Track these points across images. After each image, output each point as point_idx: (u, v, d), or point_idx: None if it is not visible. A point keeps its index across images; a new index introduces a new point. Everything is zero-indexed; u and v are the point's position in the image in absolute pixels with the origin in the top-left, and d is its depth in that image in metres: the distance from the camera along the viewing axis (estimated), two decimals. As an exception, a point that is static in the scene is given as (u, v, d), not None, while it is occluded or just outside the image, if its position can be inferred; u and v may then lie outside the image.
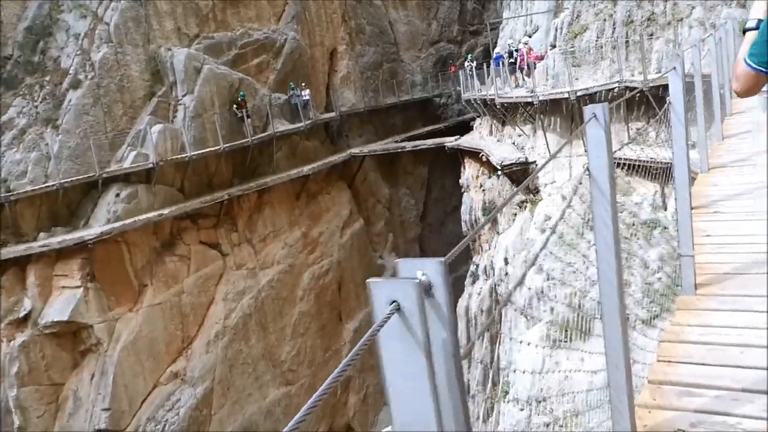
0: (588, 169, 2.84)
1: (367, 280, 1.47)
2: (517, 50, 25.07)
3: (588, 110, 2.72)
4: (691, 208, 4.23)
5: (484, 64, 27.29)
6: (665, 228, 16.99)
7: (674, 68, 4.14)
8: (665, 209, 17.30)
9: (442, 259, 1.44)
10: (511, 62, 25.31)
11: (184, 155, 24.06)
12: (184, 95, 25.29)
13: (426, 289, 1.41)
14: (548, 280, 19.14)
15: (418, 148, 31.64)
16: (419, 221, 38.94)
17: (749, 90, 2.78)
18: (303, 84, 29.27)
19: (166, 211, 23.14)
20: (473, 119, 31.91)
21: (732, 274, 3.59)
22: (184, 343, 24.24)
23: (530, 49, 23.72)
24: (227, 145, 25.33)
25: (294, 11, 31.08)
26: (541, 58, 23.09)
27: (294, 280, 28.66)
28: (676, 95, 4.27)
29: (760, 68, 2.67)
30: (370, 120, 35.71)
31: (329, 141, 33.14)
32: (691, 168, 5.94)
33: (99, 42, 23.56)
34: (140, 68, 24.59)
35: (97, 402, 21.74)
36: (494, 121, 27.87)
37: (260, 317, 26.89)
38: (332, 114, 32.14)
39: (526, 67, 24.00)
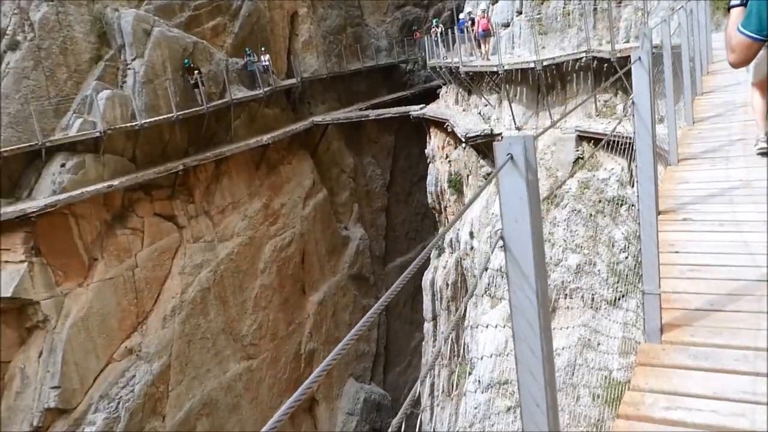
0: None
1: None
2: (471, 19, 24.48)
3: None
4: (657, 214, 3.56)
5: (449, 30, 26.37)
6: (632, 206, 16.55)
7: (639, 58, 3.33)
8: (632, 185, 16.84)
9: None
10: (461, 32, 24.61)
11: (134, 123, 22.89)
12: (133, 59, 23.98)
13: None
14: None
15: (382, 116, 30.74)
16: (386, 191, 38.22)
17: (745, 59, 2.94)
18: (263, 49, 28.05)
19: (116, 182, 22.06)
20: (440, 87, 31.06)
21: (705, 311, 2.95)
22: (139, 319, 23.41)
23: (483, 17, 22.85)
24: (181, 112, 24.18)
25: (252, -29, 29.64)
26: (485, 27, 22.22)
27: (255, 252, 27.86)
28: (641, 95, 3.40)
29: (757, 36, 2.82)
30: (333, 86, 34.61)
31: (290, 108, 32.04)
32: (658, 159, 5.32)
33: (38, 0, 22.07)
34: (85, 29, 23.18)
35: (46, 380, 20.88)
36: (460, 90, 27.07)
37: (219, 291, 26.11)
38: (293, 80, 30.98)
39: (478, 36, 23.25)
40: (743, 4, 3.07)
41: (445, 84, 29.28)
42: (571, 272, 16.33)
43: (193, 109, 24.74)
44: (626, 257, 15.96)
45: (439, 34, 27.81)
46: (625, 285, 13.64)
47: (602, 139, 17.32)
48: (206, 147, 26.41)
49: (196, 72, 24.70)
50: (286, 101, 31.65)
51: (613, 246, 16.30)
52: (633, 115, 3.41)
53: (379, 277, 36.97)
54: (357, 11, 37.68)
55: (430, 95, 32.80)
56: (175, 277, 24.47)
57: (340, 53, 35.06)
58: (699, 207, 4.27)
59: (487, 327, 16.34)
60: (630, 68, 3.48)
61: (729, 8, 3.21)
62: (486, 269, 18.88)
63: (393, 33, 39.86)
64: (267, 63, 27.73)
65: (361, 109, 33.79)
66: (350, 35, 36.70)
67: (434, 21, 30.69)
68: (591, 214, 16.91)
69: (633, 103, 3.42)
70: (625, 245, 16.64)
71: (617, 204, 16.70)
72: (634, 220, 16.52)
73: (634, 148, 3.84)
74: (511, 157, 1.87)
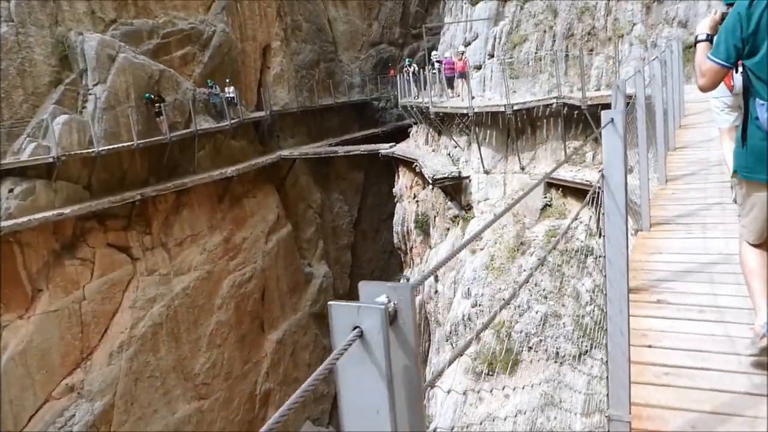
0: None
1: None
2: (438, 61, 24.69)
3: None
4: (628, 293, 2.97)
5: (422, 70, 26.13)
6: (599, 257, 16.12)
7: (611, 120, 2.82)
8: (600, 236, 16.47)
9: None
10: (433, 72, 24.59)
11: (91, 150, 21.98)
12: (95, 84, 23.18)
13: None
14: (475, 306, 18.07)
15: (351, 153, 30.24)
16: (352, 228, 37.57)
17: (713, 83, 3.17)
18: (227, 80, 27.42)
19: (67, 210, 21.05)
20: (411, 125, 30.76)
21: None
22: (83, 354, 22.19)
23: (460, 59, 22.72)
24: (141, 141, 23.35)
25: (224, 2, 29.21)
26: (461, 69, 22.19)
27: (212, 287, 26.84)
28: (612, 165, 2.88)
29: (725, 63, 3.08)
30: (303, 121, 34.10)
31: (258, 141, 31.38)
32: (629, 223, 4.77)
33: (-2, 20, 21.27)
34: (45, 52, 22.37)
35: (-22, 419, 19.56)
36: (431, 130, 26.74)
37: (172, 327, 24.99)
38: (262, 113, 30.39)
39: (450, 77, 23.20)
40: (709, 40, 3.38)
41: (416, 123, 28.96)
42: (536, 323, 15.76)
43: (155, 138, 23.95)
44: (592, 309, 15.48)
45: (411, 74, 27.55)
46: (590, 340, 13.13)
47: (570, 186, 16.98)
48: (168, 177, 25.53)
49: (157, 105, 23.95)
50: (255, 134, 31.00)
51: (578, 298, 15.83)
52: (600, 187, 2.84)
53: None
54: (331, 47, 37.45)
55: (401, 133, 32.49)
56: (126, 311, 23.35)
57: (312, 88, 34.67)
58: (675, 286, 3.70)
59: (448, 392, 15.57)
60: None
61: (696, 42, 3.48)
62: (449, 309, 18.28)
63: (367, 70, 39.69)
64: (232, 95, 27.08)
65: (331, 145, 33.27)
66: (323, 70, 36.39)
67: (407, 60, 30.51)
68: (558, 264, 16.45)
69: (602, 176, 2.85)
70: (590, 298, 16.06)
71: (584, 254, 16.26)
72: (600, 272, 16.10)
73: (601, 211, 3.27)
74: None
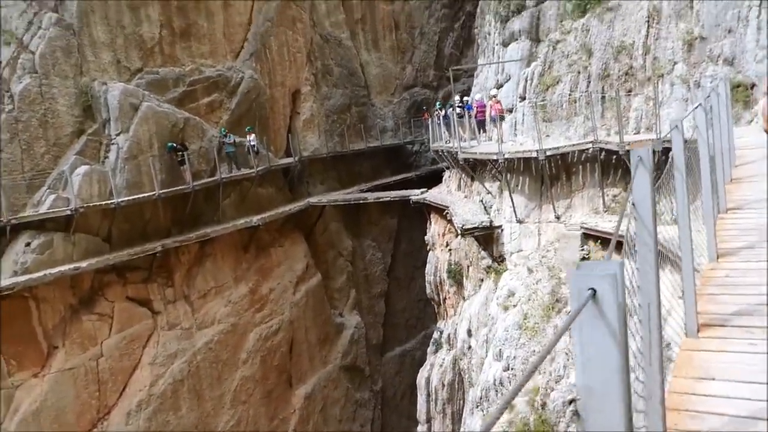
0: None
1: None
2: (460, 106, 23.88)
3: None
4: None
5: (453, 113, 25.12)
6: (641, 320, 14.60)
7: (639, 159, 2.64)
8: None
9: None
10: (459, 116, 23.63)
11: (111, 201, 21.47)
12: (118, 134, 22.84)
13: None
14: (508, 370, 16.61)
15: (381, 200, 29.28)
16: (386, 276, 36.36)
17: None
18: (247, 129, 26.73)
19: (84, 264, 20.46)
20: (446, 169, 29.69)
21: None
22: (100, 414, 21.34)
23: (495, 102, 21.69)
24: (163, 191, 22.80)
25: (253, 48, 28.94)
26: (499, 111, 21.15)
27: (237, 341, 25.88)
28: (643, 212, 2.77)
29: None
30: (334, 166, 33.37)
31: (287, 188, 30.69)
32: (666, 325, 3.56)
33: (21, 72, 21.15)
34: (69, 103, 22.15)
35: (-11, 483, 18.76)
36: (463, 175, 25.60)
37: (194, 383, 24.03)
38: (290, 159, 29.75)
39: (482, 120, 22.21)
40: None
41: (448, 168, 27.88)
42: (574, 391, 14.22)
43: (178, 188, 23.38)
44: (636, 377, 13.93)
45: (442, 117, 26.59)
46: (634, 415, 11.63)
47: (610, 238, 15.56)
48: (192, 227, 24.90)
49: (179, 153, 23.43)
50: (283, 180, 30.33)
51: (622, 363, 14.29)
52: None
53: (375, 368, 34.67)
54: (363, 91, 36.89)
55: (436, 178, 31.41)
56: (145, 367, 22.51)
57: (342, 132, 34.01)
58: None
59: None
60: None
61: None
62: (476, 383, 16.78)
63: (400, 113, 38.96)
64: (253, 143, 26.39)
65: (362, 191, 32.41)
66: (355, 114, 35.78)
67: (437, 104, 29.60)
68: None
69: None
70: (633, 364, 14.35)
71: (628, 314, 14.78)
72: (642, 338, 14.55)
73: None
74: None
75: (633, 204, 3.03)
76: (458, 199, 24.87)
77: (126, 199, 21.86)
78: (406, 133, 38.14)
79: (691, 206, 5.88)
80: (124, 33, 24.05)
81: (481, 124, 24.08)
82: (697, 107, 5.11)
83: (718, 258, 5.02)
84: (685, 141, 7.94)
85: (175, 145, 23.50)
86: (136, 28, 24.41)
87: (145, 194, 22.48)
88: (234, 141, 25.51)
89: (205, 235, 24.35)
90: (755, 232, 5.57)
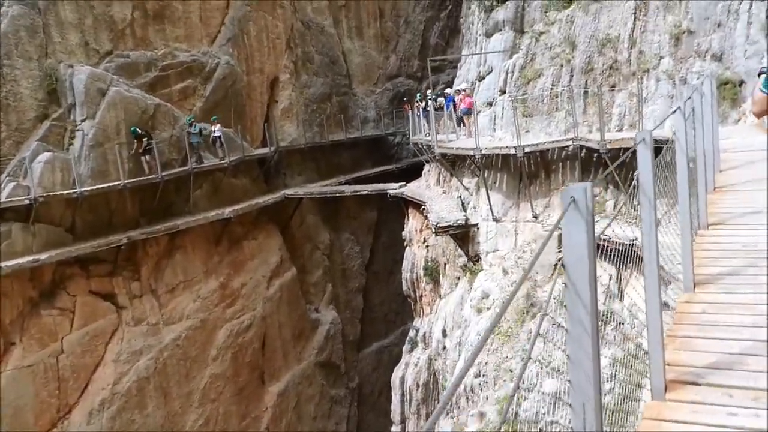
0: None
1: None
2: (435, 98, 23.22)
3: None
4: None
5: (432, 105, 24.33)
6: (620, 323, 13.93)
7: (572, 200, 2.21)
8: (621, 299, 14.30)
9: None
10: (436, 109, 22.96)
11: (73, 190, 20.54)
12: (83, 120, 21.88)
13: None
14: (479, 376, 15.93)
15: (358, 193, 28.47)
16: (364, 270, 35.59)
17: (761, 111, 4.23)
18: (213, 119, 25.64)
19: (44, 256, 19.54)
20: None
21: None
22: (60, 413, 20.50)
23: (467, 95, 20.99)
24: (129, 180, 21.88)
25: (230, 33, 27.95)
26: (469, 106, 20.46)
27: (206, 337, 25.06)
28: (575, 268, 2.31)
29: None
30: (313, 157, 32.50)
31: (263, 179, 29.80)
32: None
33: (-20, 53, 20.13)
34: (32, 85, 21.16)
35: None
36: (442, 169, 24.85)
37: (161, 381, 23.21)
38: (265, 150, 28.84)
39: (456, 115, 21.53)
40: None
41: (428, 162, 27.11)
42: (547, 401, 13.58)
43: (145, 178, 22.44)
44: (611, 388, 13.29)
45: (422, 109, 25.79)
46: (610, 424, 11.00)
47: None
48: (161, 218, 23.99)
49: (144, 139, 22.40)
50: (259, 171, 29.43)
51: (597, 372, 13.64)
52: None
53: (351, 365, 33.97)
54: (345, 80, 35.97)
55: (418, 171, 30.60)
56: (108, 365, 21.66)
57: (322, 122, 33.12)
58: None
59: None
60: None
61: (759, 74, 4.15)
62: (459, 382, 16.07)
63: (383, 104, 38.09)
64: (218, 133, 25.32)
65: (341, 183, 31.57)
66: (335, 104, 34.88)
67: (418, 95, 28.76)
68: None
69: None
70: (611, 374, 13.75)
71: (603, 321, 14.09)
72: (622, 342, 13.87)
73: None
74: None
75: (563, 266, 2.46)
76: (436, 195, 24.13)
77: (90, 188, 20.94)
78: (389, 125, 37.30)
79: (667, 222, 5.15)
80: (94, 13, 23.03)
81: (460, 119, 23.32)
82: (675, 111, 4.38)
83: (695, 287, 4.30)
84: (666, 141, 7.19)
85: (138, 130, 22.42)
86: (106, 9, 23.39)
87: (110, 184, 21.55)
88: (200, 131, 24.43)
89: (175, 227, 23.46)
90: (741, 254, 4.85)
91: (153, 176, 22.67)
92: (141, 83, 24.15)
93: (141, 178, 22.37)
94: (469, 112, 20.14)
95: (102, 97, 22.25)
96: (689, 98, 4.97)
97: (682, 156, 4.37)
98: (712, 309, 3.96)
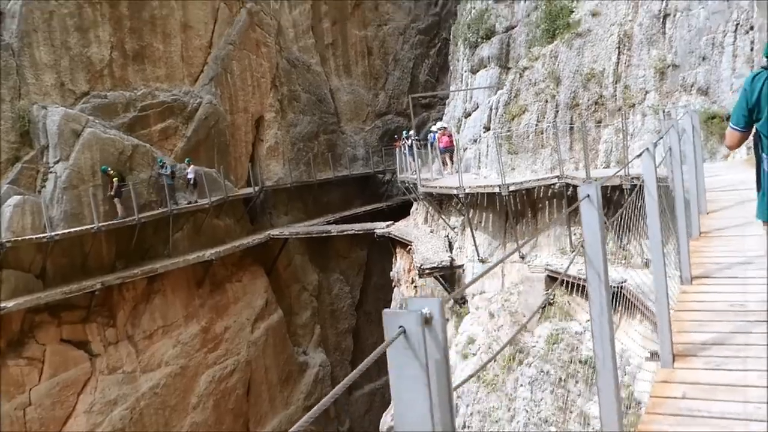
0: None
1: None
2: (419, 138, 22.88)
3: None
4: None
5: (414, 144, 23.80)
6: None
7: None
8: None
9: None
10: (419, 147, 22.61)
11: (43, 234, 19.82)
12: (56, 162, 21.27)
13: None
14: (464, 428, 15.03)
15: (346, 233, 27.77)
16: (354, 310, 34.67)
17: (733, 144, 3.87)
18: (187, 160, 24.93)
19: (11, 304, 18.71)
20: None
21: None
22: (27, 469, 19.42)
23: (443, 134, 20.55)
24: (104, 223, 21.20)
25: (213, 72, 27.55)
26: (446, 144, 19.99)
27: (187, 384, 24.06)
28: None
29: (735, 127, 3.78)
30: (300, 196, 31.87)
31: (248, 219, 29.12)
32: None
33: (-50, 94, 19.62)
34: (4, 127, 20.58)
35: None
36: (430, 208, 24.22)
37: (137, 431, 22.16)
38: (250, 190, 28.22)
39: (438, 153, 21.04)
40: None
41: (415, 200, 26.50)
42: (535, 456, 12.70)
43: (119, 220, 21.74)
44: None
45: (408, 147, 25.26)
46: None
47: (576, 283, 14.10)
48: (139, 261, 23.24)
49: (114, 179, 21.73)
50: (243, 211, 28.76)
51: (587, 424, 12.78)
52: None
53: (342, 408, 32.81)
54: (333, 118, 35.56)
55: (408, 208, 30.01)
56: (80, 416, 20.66)
57: (309, 161, 32.57)
58: None
59: None
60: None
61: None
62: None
63: (372, 142, 37.62)
64: (191, 175, 24.61)
65: (329, 222, 30.88)
66: (323, 142, 34.39)
67: (404, 132, 28.30)
68: (561, 378, 13.47)
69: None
70: (600, 425, 12.75)
71: (592, 366, 13.28)
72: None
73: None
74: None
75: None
76: (424, 234, 23.45)
77: (61, 232, 20.23)
78: (378, 162, 36.76)
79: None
80: (70, 54, 22.58)
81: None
82: (642, 153, 3.71)
83: (674, 360, 3.57)
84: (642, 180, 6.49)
85: (109, 169, 21.74)
86: (83, 50, 22.95)
87: (83, 227, 20.85)
88: (172, 172, 23.73)
89: (153, 270, 22.68)
90: (729, 316, 4.12)
91: (129, 218, 21.97)
92: (119, 124, 23.62)
93: (116, 221, 21.67)
94: (447, 150, 19.61)
95: (76, 138, 21.69)
96: (661, 138, 4.33)
97: (653, 203, 3.70)
98: (694, 392, 3.24)
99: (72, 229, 20.46)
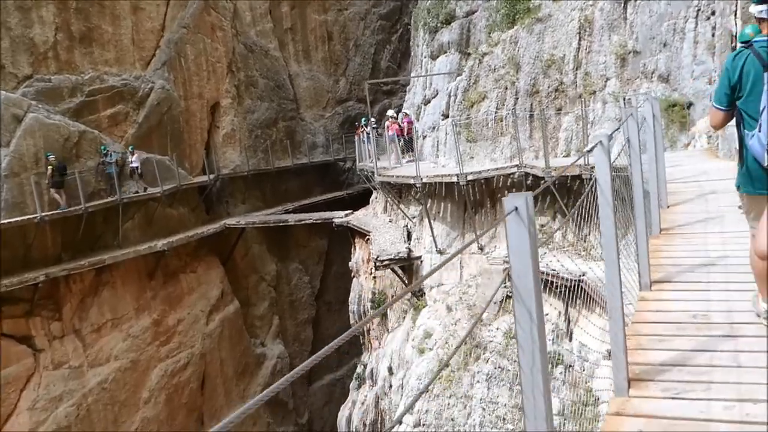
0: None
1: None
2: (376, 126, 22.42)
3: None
4: None
5: (377, 131, 23.26)
6: (569, 366, 12.80)
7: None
8: (570, 339, 13.19)
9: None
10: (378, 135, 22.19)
11: (-19, 225, 18.80)
12: (-4, 149, 20.18)
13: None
14: (419, 425, 14.64)
15: (303, 222, 27.13)
16: (314, 300, 34.11)
17: (717, 123, 3.91)
18: (130, 148, 23.95)
19: (-55, 299, 17.72)
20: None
21: None
22: (-35, 471, 18.51)
23: (393, 122, 20.10)
24: (47, 213, 20.21)
25: (166, 57, 26.52)
26: (398, 132, 19.59)
27: (137, 378, 23.26)
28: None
29: (717, 105, 3.83)
30: (258, 184, 31.07)
31: (203, 208, 28.25)
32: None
33: None
34: (-60, 112, 19.45)
35: None
36: (389, 197, 23.71)
37: (84, 428, 21.32)
38: (205, 178, 27.35)
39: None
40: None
41: (375, 189, 25.97)
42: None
43: (64, 210, 20.77)
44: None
45: (366, 135, 24.66)
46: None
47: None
48: (87, 252, 22.29)
49: (50, 168, 20.66)
50: (198, 200, 27.88)
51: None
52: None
53: (301, 400, 32.33)
54: (292, 104, 34.73)
55: (369, 196, 29.48)
56: (23, 413, 19.76)
57: (267, 149, 31.75)
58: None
59: None
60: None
61: None
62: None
63: (332, 129, 36.90)
64: (135, 164, 23.64)
65: (288, 210, 30.20)
66: (282, 129, 33.57)
67: (363, 119, 27.66)
68: (518, 375, 13.12)
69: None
70: (560, 422, 12.52)
71: (551, 363, 12.96)
72: (572, 387, 12.72)
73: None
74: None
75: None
76: (382, 224, 22.95)
77: (2, 222, 19.19)
78: (339, 150, 36.09)
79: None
80: (11, 35, 21.41)
81: (408, 144, 22.29)
82: (593, 148, 3.23)
83: (629, 387, 3.10)
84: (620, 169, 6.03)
85: (50, 156, 20.69)
86: (25, 30, 21.78)
87: (25, 217, 19.84)
88: (116, 161, 22.75)
89: (101, 261, 21.78)
90: (691, 329, 3.68)
91: (75, 208, 21.00)
92: (65, 109, 22.55)
93: (60, 210, 20.69)
94: (395, 138, 19.17)
95: (18, 123, 20.61)
96: (618, 127, 3.90)
97: (605, 203, 3.23)
98: (651, 427, 2.78)
99: (13, 219, 19.43)
